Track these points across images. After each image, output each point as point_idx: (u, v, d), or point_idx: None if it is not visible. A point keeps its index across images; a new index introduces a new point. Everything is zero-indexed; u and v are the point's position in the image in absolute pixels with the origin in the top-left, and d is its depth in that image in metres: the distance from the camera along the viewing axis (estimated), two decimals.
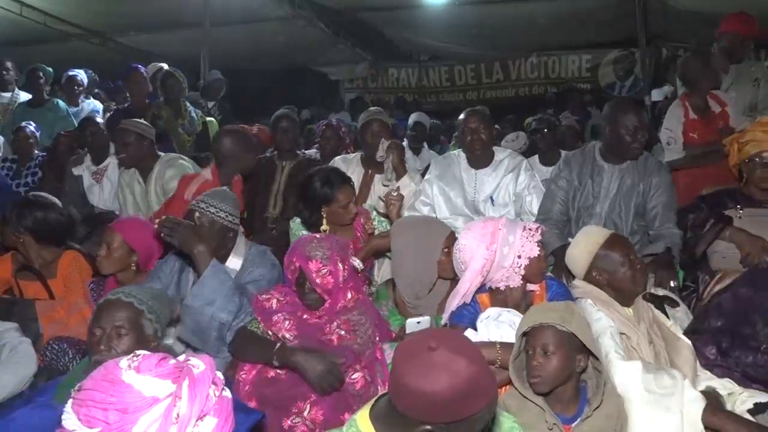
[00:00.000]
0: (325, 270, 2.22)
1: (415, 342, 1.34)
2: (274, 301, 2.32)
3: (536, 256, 2.23)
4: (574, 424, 1.84)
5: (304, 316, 2.29)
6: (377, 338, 2.30)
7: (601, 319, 2.17)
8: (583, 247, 2.33)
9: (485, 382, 1.27)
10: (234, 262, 2.58)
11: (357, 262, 2.58)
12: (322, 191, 2.91)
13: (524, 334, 1.86)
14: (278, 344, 2.17)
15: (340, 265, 2.25)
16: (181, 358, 1.23)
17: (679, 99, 3.96)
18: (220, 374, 1.24)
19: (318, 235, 2.37)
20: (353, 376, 2.18)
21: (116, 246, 2.70)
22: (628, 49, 8.38)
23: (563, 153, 4.20)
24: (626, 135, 2.88)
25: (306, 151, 4.38)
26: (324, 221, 2.94)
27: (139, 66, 4.93)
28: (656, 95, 6.10)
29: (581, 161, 3.09)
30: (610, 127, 2.95)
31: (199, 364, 1.20)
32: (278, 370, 2.19)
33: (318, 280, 2.22)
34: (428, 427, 1.26)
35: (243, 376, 2.23)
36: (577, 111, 7.27)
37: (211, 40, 6.50)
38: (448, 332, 1.94)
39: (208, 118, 5.25)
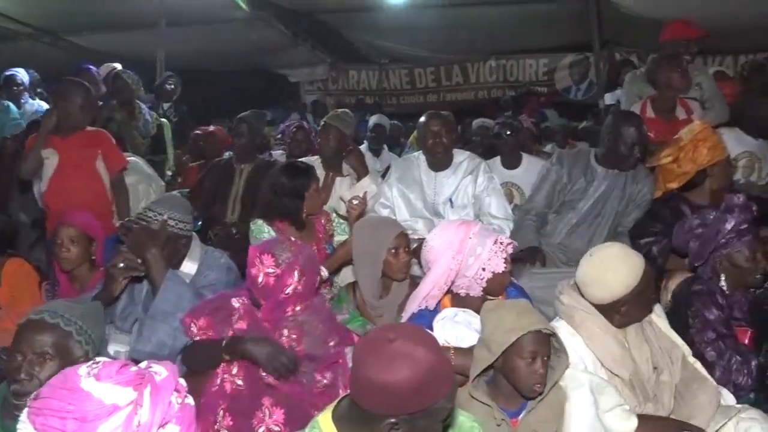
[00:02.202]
0: (273, 271, 2.09)
1: (374, 336, 1.36)
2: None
3: (501, 272, 2.23)
4: (519, 417, 1.87)
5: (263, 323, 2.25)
6: (334, 340, 2.24)
7: (576, 351, 2.03)
8: (623, 278, 2.03)
9: (444, 370, 1.30)
10: (189, 267, 2.56)
11: (323, 272, 2.56)
12: (298, 180, 2.91)
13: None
14: (225, 339, 2.12)
15: (295, 276, 2.11)
16: (143, 365, 1.21)
17: (647, 98, 4.06)
18: (182, 381, 1.23)
19: (296, 241, 2.28)
20: (317, 378, 2.15)
21: (75, 238, 2.66)
22: (583, 53, 8.55)
23: (523, 156, 4.29)
24: (624, 148, 3.06)
25: (273, 152, 4.37)
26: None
27: (91, 67, 4.81)
28: (609, 98, 6.24)
29: (574, 161, 3.25)
30: (611, 138, 3.11)
31: (161, 371, 1.19)
32: (237, 383, 2.12)
33: (259, 277, 2.09)
34: (392, 420, 1.28)
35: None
36: (533, 114, 7.43)
37: (168, 41, 6.38)
38: (405, 324, 1.96)
39: (162, 120, 5.16)
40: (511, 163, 4.23)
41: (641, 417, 1.94)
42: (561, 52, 8.95)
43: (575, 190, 3.19)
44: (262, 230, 2.99)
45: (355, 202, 2.90)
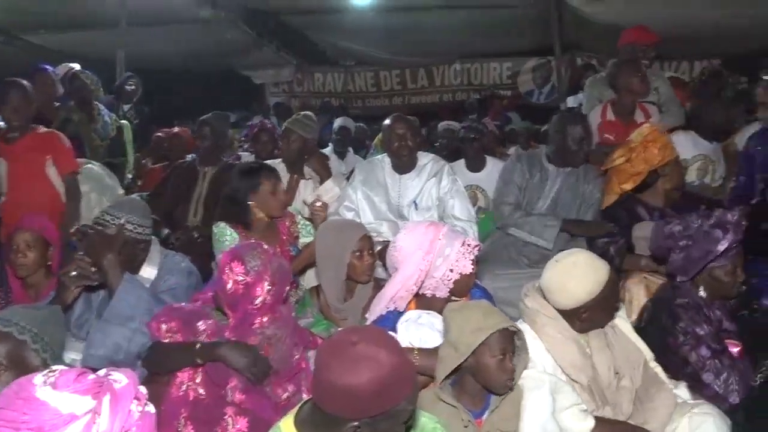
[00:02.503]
0: (242, 279, 2.05)
1: (336, 339, 1.37)
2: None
3: (468, 273, 2.24)
4: (484, 417, 1.90)
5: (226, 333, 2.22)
6: (299, 348, 2.24)
7: (537, 355, 2.04)
8: (586, 285, 2.04)
9: (406, 372, 1.31)
10: (148, 272, 2.51)
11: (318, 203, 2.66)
12: (244, 181, 2.88)
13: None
14: (199, 343, 2.09)
15: (264, 287, 2.08)
16: (102, 372, 1.18)
17: (607, 101, 4.14)
18: (143, 389, 1.20)
19: (269, 249, 2.23)
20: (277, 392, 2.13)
21: (32, 243, 2.59)
22: (546, 57, 8.70)
23: (487, 158, 4.33)
24: (573, 144, 3.17)
25: (241, 154, 4.33)
26: (257, 212, 2.89)
27: (48, 67, 4.68)
28: (571, 102, 6.37)
29: (530, 162, 3.37)
30: (558, 136, 3.24)
31: (121, 378, 1.16)
32: (199, 392, 2.09)
33: (228, 284, 2.05)
34: (355, 423, 1.28)
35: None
36: (497, 117, 7.53)
37: (129, 41, 6.25)
38: (367, 327, 1.96)
39: (122, 122, 5.06)
40: (476, 165, 4.27)
41: (597, 419, 1.97)
42: (524, 56, 9.10)
43: (533, 189, 3.32)
44: (224, 233, 2.94)
45: (318, 204, 2.88)
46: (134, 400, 1.17)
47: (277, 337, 2.16)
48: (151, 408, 1.23)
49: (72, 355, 2.32)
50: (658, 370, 2.17)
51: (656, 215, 3.01)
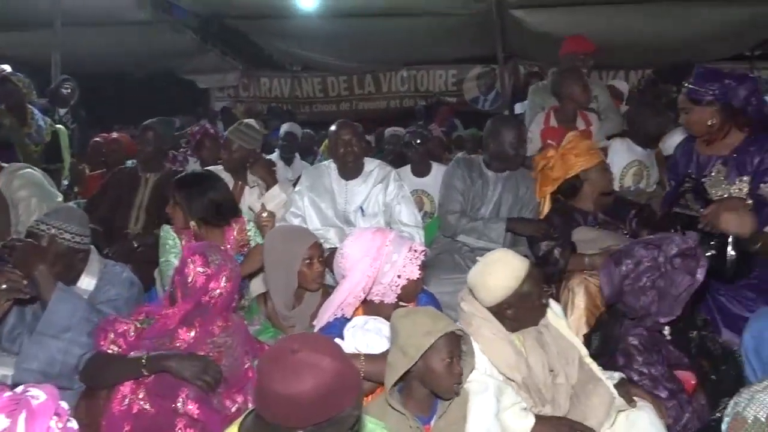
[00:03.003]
0: (203, 270, 2.12)
1: (277, 348, 1.35)
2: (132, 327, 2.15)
3: (416, 278, 2.25)
4: (432, 423, 1.90)
5: (176, 344, 2.16)
6: (250, 357, 2.22)
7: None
8: (502, 279, 2.08)
9: (350, 378, 1.30)
10: (87, 282, 2.43)
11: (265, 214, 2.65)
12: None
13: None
14: (145, 354, 2.04)
15: (222, 280, 2.15)
16: (20, 389, 1.13)
17: (548, 107, 4.25)
18: (65, 404, 1.15)
19: (227, 251, 2.27)
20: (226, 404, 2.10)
21: None
22: (490, 65, 8.88)
23: (433, 164, 4.38)
24: (509, 147, 3.25)
25: (189, 158, 4.24)
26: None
27: None
28: (519, 108, 6.51)
29: (469, 167, 3.41)
30: (494, 141, 3.29)
31: (39, 394, 1.11)
32: (143, 405, 2.03)
33: (190, 276, 2.11)
34: None
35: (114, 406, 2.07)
36: (443, 123, 7.63)
37: (65, 43, 6.03)
38: (308, 334, 1.95)
39: (58, 126, 4.87)
40: (421, 171, 4.32)
41: (537, 417, 2.00)
42: (469, 64, 9.26)
43: (475, 194, 3.38)
44: (168, 237, 2.96)
45: (264, 215, 2.84)
46: (54, 417, 1.12)
47: (228, 345, 2.14)
48: (73, 424, 1.18)
49: (2, 371, 2.22)
50: (593, 366, 2.20)
51: (590, 219, 3.10)
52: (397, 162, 4.46)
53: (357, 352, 2.09)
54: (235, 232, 2.99)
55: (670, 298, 2.16)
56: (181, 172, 3.87)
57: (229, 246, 2.91)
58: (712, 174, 2.83)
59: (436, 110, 8.51)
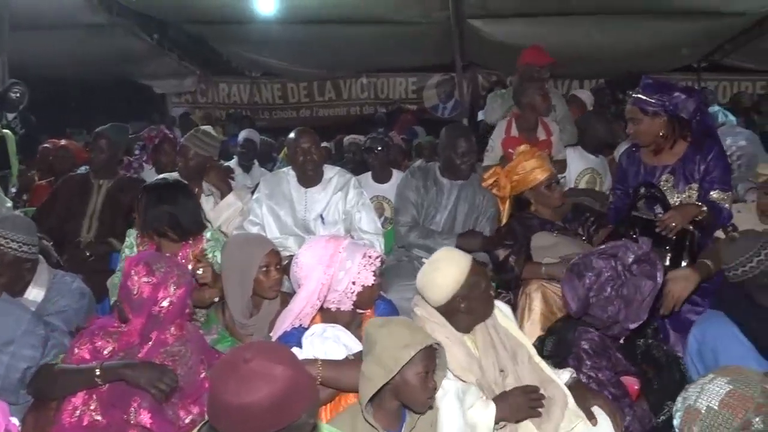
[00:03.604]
0: (148, 280, 2.06)
1: (229, 357, 1.33)
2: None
3: (370, 285, 2.24)
4: None
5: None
6: (204, 367, 2.17)
7: None
8: (451, 272, 2.13)
9: (304, 386, 1.29)
10: (35, 293, 2.36)
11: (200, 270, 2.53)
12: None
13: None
14: (99, 364, 2.00)
15: (170, 288, 2.09)
16: None
17: (510, 115, 4.32)
18: (15, 420, 1.12)
19: (173, 258, 2.22)
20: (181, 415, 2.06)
21: None
22: (449, 73, 8.98)
23: (393, 171, 4.40)
24: (456, 158, 3.25)
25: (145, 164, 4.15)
26: None
27: None
28: (482, 115, 6.63)
29: (424, 176, 3.40)
30: (444, 150, 3.31)
31: None
32: (95, 417, 1.99)
33: (134, 288, 2.05)
34: None
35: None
36: (403, 130, 7.67)
37: (15, 46, 5.84)
38: (261, 342, 1.92)
39: (5, 132, 4.71)
40: (382, 177, 4.32)
41: (496, 399, 2.04)
42: (429, 72, 9.35)
43: (429, 203, 3.37)
44: (128, 243, 2.92)
45: (199, 271, 2.66)
46: None
47: (182, 354, 2.11)
48: None
49: None
50: (543, 365, 2.23)
51: (548, 227, 3.16)
52: (357, 169, 4.47)
53: (314, 358, 2.08)
54: (189, 249, 2.88)
55: (636, 304, 2.21)
56: (137, 178, 3.79)
57: (183, 255, 2.84)
58: (661, 183, 2.94)
59: (397, 117, 8.56)
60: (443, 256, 2.22)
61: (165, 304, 2.09)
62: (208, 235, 2.93)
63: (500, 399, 2.04)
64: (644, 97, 2.82)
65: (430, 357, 1.82)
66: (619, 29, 7.00)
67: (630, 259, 2.23)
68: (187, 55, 8.53)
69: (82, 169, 4.05)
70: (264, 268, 2.42)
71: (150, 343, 2.10)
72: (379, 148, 4.33)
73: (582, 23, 6.93)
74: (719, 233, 2.85)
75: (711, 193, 2.84)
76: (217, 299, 2.59)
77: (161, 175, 3.20)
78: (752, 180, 3.30)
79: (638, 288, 2.20)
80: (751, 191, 3.34)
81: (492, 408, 2.00)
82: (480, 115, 6.45)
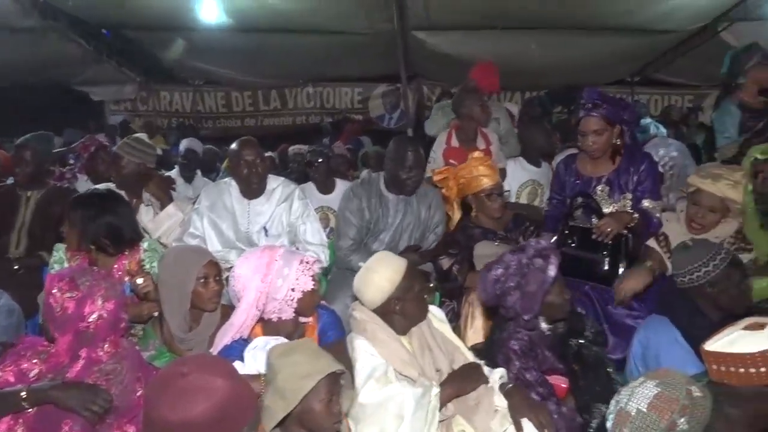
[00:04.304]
0: (72, 295, 1.97)
1: (166, 372, 1.30)
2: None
3: (310, 290, 2.25)
4: None
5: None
6: (140, 385, 2.09)
7: (375, 357, 2.13)
8: (386, 274, 2.19)
9: (244, 399, 1.27)
10: None
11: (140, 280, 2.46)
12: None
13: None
14: (25, 387, 1.90)
15: (98, 302, 2.00)
16: None
17: (450, 126, 4.39)
18: None
19: (101, 270, 2.13)
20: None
21: None
22: (395, 84, 9.06)
23: (337, 181, 4.38)
24: (403, 172, 3.17)
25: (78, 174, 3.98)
26: None
27: None
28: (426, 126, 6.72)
29: (368, 192, 3.29)
30: (390, 164, 3.23)
31: None
32: None
33: (57, 306, 1.95)
34: None
35: None
36: (349, 140, 7.67)
37: None
38: (200, 356, 1.88)
39: None
40: (325, 188, 4.31)
41: (442, 385, 2.10)
42: (374, 82, 9.41)
43: (374, 222, 3.28)
44: (56, 258, 2.80)
45: (139, 281, 2.60)
46: None
47: (117, 372, 2.03)
48: None
49: None
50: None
51: (490, 236, 3.22)
52: (301, 179, 4.43)
53: (257, 373, 2.04)
54: (126, 260, 2.80)
55: (530, 296, 2.30)
56: (69, 189, 3.64)
57: (119, 273, 2.74)
58: (597, 192, 3.05)
59: (342, 127, 8.55)
60: (379, 258, 2.27)
61: (93, 318, 2.00)
62: (145, 245, 2.84)
63: (448, 384, 2.11)
64: (605, 108, 2.91)
65: (334, 382, 1.81)
66: (557, 44, 7.22)
67: (531, 253, 2.34)
68: (126, 61, 8.29)
69: (11, 180, 3.87)
70: (202, 280, 2.38)
71: (81, 361, 2.01)
72: (319, 161, 4.31)
73: (522, 37, 7.12)
74: (652, 242, 2.97)
75: (643, 201, 2.97)
76: (155, 313, 2.52)
77: (93, 187, 3.07)
78: (682, 190, 3.46)
79: (533, 281, 2.30)
80: (680, 200, 3.50)
81: (435, 389, 2.05)
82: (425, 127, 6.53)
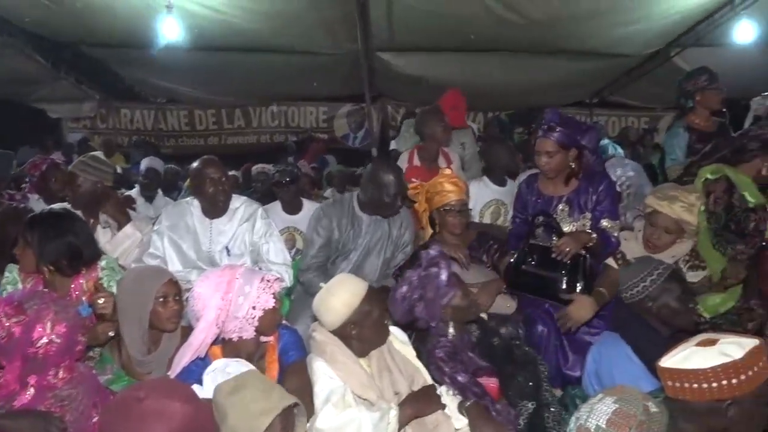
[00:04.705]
0: (18, 319, 1.90)
1: (122, 397, 1.26)
2: None
3: (271, 308, 2.23)
4: None
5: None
6: (97, 411, 2.01)
7: (333, 379, 2.13)
8: (344, 298, 2.18)
9: (203, 422, 1.25)
10: None
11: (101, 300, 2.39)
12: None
13: None
14: None
15: (47, 326, 1.92)
16: None
17: (413, 147, 4.42)
18: None
19: (51, 293, 2.06)
20: None
21: None
22: (359, 104, 9.12)
23: (304, 201, 4.35)
24: (386, 197, 3.16)
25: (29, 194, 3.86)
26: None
27: None
28: (395, 145, 6.76)
29: (340, 212, 3.25)
30: (372, 187, 3.19)
31: None
32: None
33: (1, 328, 1.88)
34: None
35: None
36: (314, 159, 7.68)
37: None
38: (157, 380, 1.84)
39: None
40: (292, 208, 4.27)
41: (401, 405, 2.10)
42: (339, 102, 9.45)
43: (345, 240, 3.26)
44: (9, 280, 2.72)
45: (100, 301, 2.50)
46: None
47: (72, 398, 1.97)
48: None
49: None
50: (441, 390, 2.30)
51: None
52: (265, 199, 4.39)
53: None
54: (83, 280, 2.72)
55: (430, 303, 2.39)
56: (25, 209, 3.53)
57: (76, 293, 2.66)
58: (558, 211, 3.11)
59: (307, 146, 8.56)
60: (340, 280, 2.25)
61: (42, 343, 1.92)
62: (103, 263, 2.76)
63: (406, 405, 2.10)
64: (560, 132, 2.97)
65: (288, 415, 1.78)
66: (519, 66, 7.39)
67: (425, 264, 2.43)
68: (86, 78, 8.14)
69: None
70: (161, 299, 2.34)
71: (31, 389, 1.94)
72: (289, 180, 4.26)
73: (485, 59, 7.27)
74: (611, 261, 3.03)
75: (601, 221, 3.03)
76: (111, 333, 2.45)
77: (48, 207, 2.98)
78: (639, 209, 3.55)
79: (431, 288, 2.39)
80: (638, 219, 3.58)
81: (394, 410, 2.05)
82: (393, 145, 6.58)
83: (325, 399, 2.05)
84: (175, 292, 2.38)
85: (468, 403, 2.20)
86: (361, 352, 2.21)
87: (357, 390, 2.11)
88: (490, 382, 2.38)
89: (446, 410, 2.19)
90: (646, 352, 2.40)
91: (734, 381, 1.57)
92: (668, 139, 4.13)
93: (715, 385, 1.57)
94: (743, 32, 6.29)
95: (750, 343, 1.62)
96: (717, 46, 6.62)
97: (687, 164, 3.82)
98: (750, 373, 1.58)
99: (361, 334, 2.17)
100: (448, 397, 2.25)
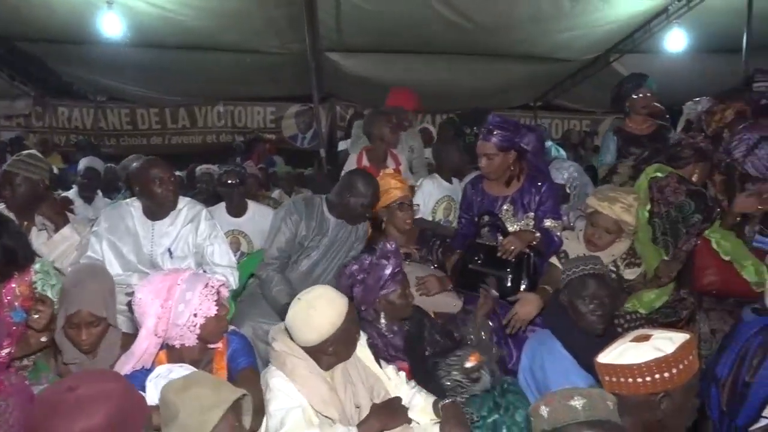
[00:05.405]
0: None
1: (51, 392, 1.23)
2: None
3: (214, 315, 2.16)
4: None
5: None
6: None
7: (291, 398, 2.09)
8: (329, 316, 2.12)
9: (138, 401, 1.23)
10: None
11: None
12: None
13: None
14: None
15: None
16: None
17: (362, 149, 4.43)
18: None
19: None
20: None
21: None
22: (308, 104, 9.06)
23: (249, 203, 4.26)
24: (360, 206, 3.15)
25: None
26: None
27: None
28: (342, 145, 6.75)
29: (310, 212, 3.20)
30: (348, 194, 3.15)
31: None
32: None
33: None
34: None
35: None
36: (261, 159, 7.59)
37: None
38: (82, 372, 1.79)
39: None
40: (237, 211, 4.18)
41: (367, 417, 2.11)
42: (287, 102, 9.38)
43: (309, 243, 3.21)
44: None
45: (35, 316, 2.37)
46: None
47: (2, 411, 1.89)
48: None
49: None
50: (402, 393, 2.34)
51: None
52: (209, 200, 4.29)
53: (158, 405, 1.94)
54: (14, 284, 2.56)
55: (368, 288, 2.60)
56: None
57: (8, 299, 2.53)
58: (502, 211, 3.18)
59: (254, 146, 8.44)
60: (322, 295, 2.18)
61: None
62: (36, 266, 2.64)
63: (367, 421, 2.10)
64: (499, 135, 3.03)
65: (238, 408, 1.76)
66: (466, 69, 7.53)
67: (378, 254, 2.64)
68: (20, 75, 7.80)
69: None
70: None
71: None
72: (237, 182, 4.15)
73: (433, 61, 7.37)
74: (554, 260, 3.12)
75: (544, 221, 3.12)
76: (44, 339, 2.34)
77: None
78: (581, 210, 3.66)
79: (374, 276, 2.60)
80: (579, 219, 3.69)
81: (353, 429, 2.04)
82: (341, 145, 6.57)
83: (280, 422, 2.01)
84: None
85: (443, 403, 2.23)
86: (329, 366, 2.18)
87: (318, 407, 2.07)
88: (403, 366, 2.53)
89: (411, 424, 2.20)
90: (576, 347, 2.47)
91: (666, 375, 1.63)
92: (603, 142, 4.33)
93: (648, 379, 1.64)
94: (676, 40, 6.62)
95: (681, 338, 1.70)
96: (653, 53, 6.92)
97: (612, 166, 3.99)
98: (681, 366, 1.65)
99: (336, 351, 2.14)
100: (401, 381, 2.31)
